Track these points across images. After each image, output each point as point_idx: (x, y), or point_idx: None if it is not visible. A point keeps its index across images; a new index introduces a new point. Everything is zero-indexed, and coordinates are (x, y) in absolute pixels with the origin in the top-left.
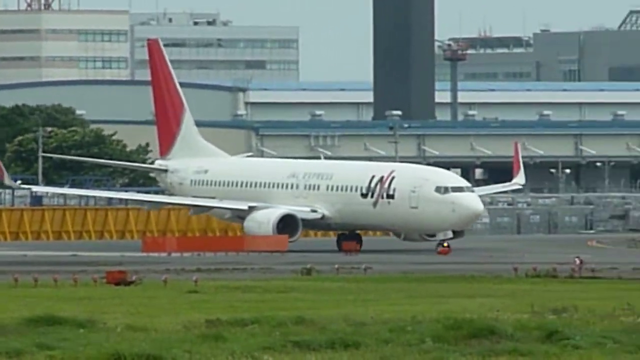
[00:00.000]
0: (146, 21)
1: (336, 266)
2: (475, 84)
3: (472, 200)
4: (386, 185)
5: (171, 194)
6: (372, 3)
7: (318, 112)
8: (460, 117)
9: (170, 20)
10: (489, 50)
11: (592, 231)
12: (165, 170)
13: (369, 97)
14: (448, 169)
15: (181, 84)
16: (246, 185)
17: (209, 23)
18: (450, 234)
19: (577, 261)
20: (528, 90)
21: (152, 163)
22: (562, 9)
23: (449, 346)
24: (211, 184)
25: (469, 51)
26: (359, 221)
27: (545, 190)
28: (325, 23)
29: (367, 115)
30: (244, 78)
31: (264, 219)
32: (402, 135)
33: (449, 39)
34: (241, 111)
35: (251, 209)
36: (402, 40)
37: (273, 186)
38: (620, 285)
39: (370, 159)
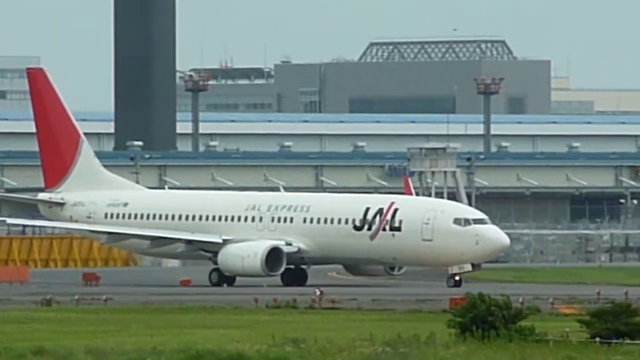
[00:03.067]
0: None
1: (76, 297)
2: (217, 114)
3: (497, 232)
4: (388, 217)
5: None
6: (113, 33)
7: None
8: (201, 148)
9: None
10: (230, 81)
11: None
12: (61, 204)
13: (110, 127)
14: None
15: None
16: (187, 219)
17: None
18: (469, 267)
19: (317, 292)
20: (269, 121)
21: None
22: (303, 40)
23: None
24: (135, 217)
25: (210, 82)
26: (347, 254)
27: None
28: (66, 53)
29: (108, 145)
30: None
31: (249, 252)
32: (143, 165)
33: (191, 70)
34: None
35: (226, 242)
36: (143, 70)
37: (227, 219)
38: (360, 316)
39: None
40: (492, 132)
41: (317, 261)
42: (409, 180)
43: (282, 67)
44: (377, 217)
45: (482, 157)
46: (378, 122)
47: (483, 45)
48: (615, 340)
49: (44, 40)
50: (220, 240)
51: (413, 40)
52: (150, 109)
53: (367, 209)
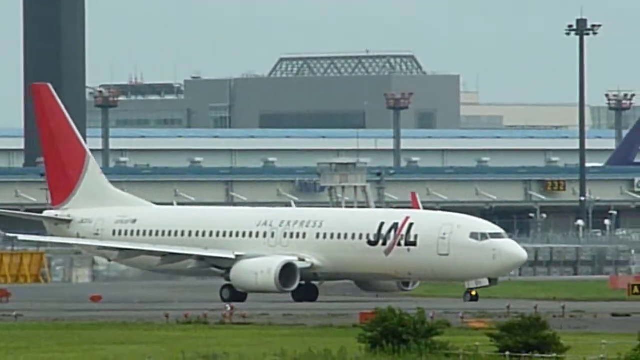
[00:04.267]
0: None
1: None
2: (127, 130)
3: (514, 247)
4: (403, 232)
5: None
6: (22, 49)
7: None
8: (112, 164)
9: None
10: (140, 97)
11: None
12: (68, 221)
13: (20, 144)
14: None
15: None
16: (197, 235)
17: None
18: (486, 282)
19: (228, 307)
20: (179, 137)
21: None
22: (213, 56)
23: None
24: (144, 234)
25: (120, 98)
26: (361, 270)
27: None
28: None
29: (18, 162)
30: None
31: (262, 268)
32: None
33: (101, 86)
34: None
35: (239, 257)
36: (53, 86)
37: (239, 235)
38: (271, 331)
39: (22, 205)
40: (402, 147)
41: (330, 277)
42: (417, 195)
43: (192, 82)
44: (392, 232)
45: (392, 172)
46: (288, 137)
47: (392, 61)
48: (524, 354)
49: None
50: (233, 256)
51: (323, 56)
52: None
53: (382, 224)
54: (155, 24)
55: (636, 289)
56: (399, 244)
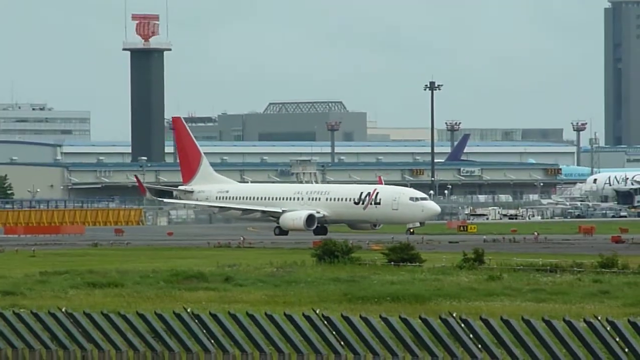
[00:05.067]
0: None
1: (111, 242)
2: None
3: (434, 204)
4: (373, 197)
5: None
6: (130, 95)
7: None
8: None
9: None
10: (193, 124)
11: None
12: (191, 191)
13: (128, 149)
14: None
15: None
16: (262, 199)
17: None
18: (418, 224)
19: (242, 238)
20: (215, 145)
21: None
22: (232, 99)
23: None
24: (233, 198)
25: None
26: (350, 218)
27: None
28: None
29: (128, 159)
30: None
31: (296, 216)
32: None
33: (172, 117)
34: None
35: (284, 211)
36: (148, 116)
37: (284, 199)
38: (265, 251)
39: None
40: (335, 151)
41: (333, 222)
42: (382, 177)
43: (222, 116)
44: (367, 197)
45: (330, 165)
46: (274, 146)
47: (330, 104)
48: (401, 263)
49: None
50: (280, 211)
51: (293, 101)
52: None
53: (361, 192)
54: (203, 82)
55: (461, 228)
56: (371, 204)
